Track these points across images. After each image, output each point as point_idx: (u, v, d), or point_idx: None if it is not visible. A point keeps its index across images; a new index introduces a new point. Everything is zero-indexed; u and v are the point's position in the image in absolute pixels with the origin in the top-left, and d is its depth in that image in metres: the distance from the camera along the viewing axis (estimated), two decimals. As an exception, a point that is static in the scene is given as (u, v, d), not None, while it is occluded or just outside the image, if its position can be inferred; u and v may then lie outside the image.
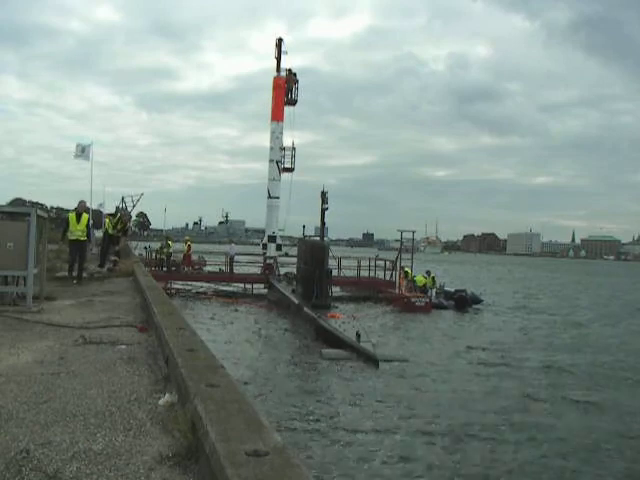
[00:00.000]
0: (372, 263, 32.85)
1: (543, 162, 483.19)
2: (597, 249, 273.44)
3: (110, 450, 2.84)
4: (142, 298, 8.74)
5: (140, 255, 30.58)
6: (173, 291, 26.70)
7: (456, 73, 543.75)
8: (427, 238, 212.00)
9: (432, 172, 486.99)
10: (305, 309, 20.62)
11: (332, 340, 16.30)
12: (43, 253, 8.71)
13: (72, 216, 12.42)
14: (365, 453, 8.53)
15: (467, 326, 23.07)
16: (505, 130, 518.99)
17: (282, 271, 31.70)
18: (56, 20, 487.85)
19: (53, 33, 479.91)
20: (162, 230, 79.22)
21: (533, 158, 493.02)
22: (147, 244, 37.40)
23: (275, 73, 33.88)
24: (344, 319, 20.18)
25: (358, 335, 15.63)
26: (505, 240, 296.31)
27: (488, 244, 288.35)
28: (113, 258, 15.59)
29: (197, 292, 29.31)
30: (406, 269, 28.35)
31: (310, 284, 22.85)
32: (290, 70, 33.99)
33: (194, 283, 30.55)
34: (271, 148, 33.48)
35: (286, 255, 32.73)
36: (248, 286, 30.58)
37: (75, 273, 12.00)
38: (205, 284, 30.72)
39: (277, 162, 33.29)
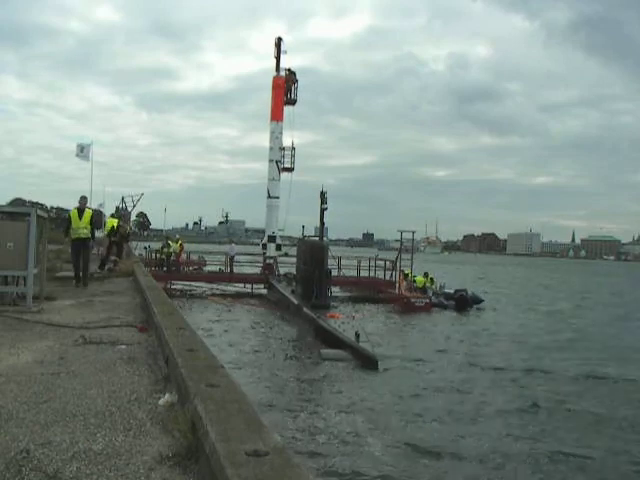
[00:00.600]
0: (372, 263, 32.79)
1: (543, 162, 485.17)
2: (597, 249, 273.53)
3: (110, 450, 2.84)
4: (142, 298, 8.75)
5: (140, 255, 30.59)
6: (173, 291, 26.69)
7: (456, 73, 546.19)
8: (427, 238, 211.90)
9: (432, 172, 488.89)
10: (304, 309, 20.60)
11: (331, 340, 16.28)
12: (43, 253, 8.72)
13: (74, 212, 11.64)
14: (365, 453, 8.52)
15: (467, 326, 23.03)
16: (505, 130, 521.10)
17: (282, 271, 31.70)
18: (56, 20, 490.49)
19: (53, 33, 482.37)
20: (162, 230, 79.40)
21: (533, 158, 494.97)
22: (147, 244, 37.36)
23: (275, 73, 33.84)
24: (343, 319, 20.14)
25: (357, 335, 15.61)
26: (505, 240, 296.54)
27: (488, 244, 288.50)
28: (113, 258, 15.59)
29: (197, 292, 29.33)
30: (406, 271, 28.37)
31: (310, 284, 22.84)
32: (290, 69, 33.86)
33: (194, 283, 30.54)
34: (271, 148, 33.40)
35: (286, 255, 32.65)
36: (248, 286, 30.56)
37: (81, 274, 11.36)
38: (205, 284, 30.73)
39: (277, 162, 33.20)
